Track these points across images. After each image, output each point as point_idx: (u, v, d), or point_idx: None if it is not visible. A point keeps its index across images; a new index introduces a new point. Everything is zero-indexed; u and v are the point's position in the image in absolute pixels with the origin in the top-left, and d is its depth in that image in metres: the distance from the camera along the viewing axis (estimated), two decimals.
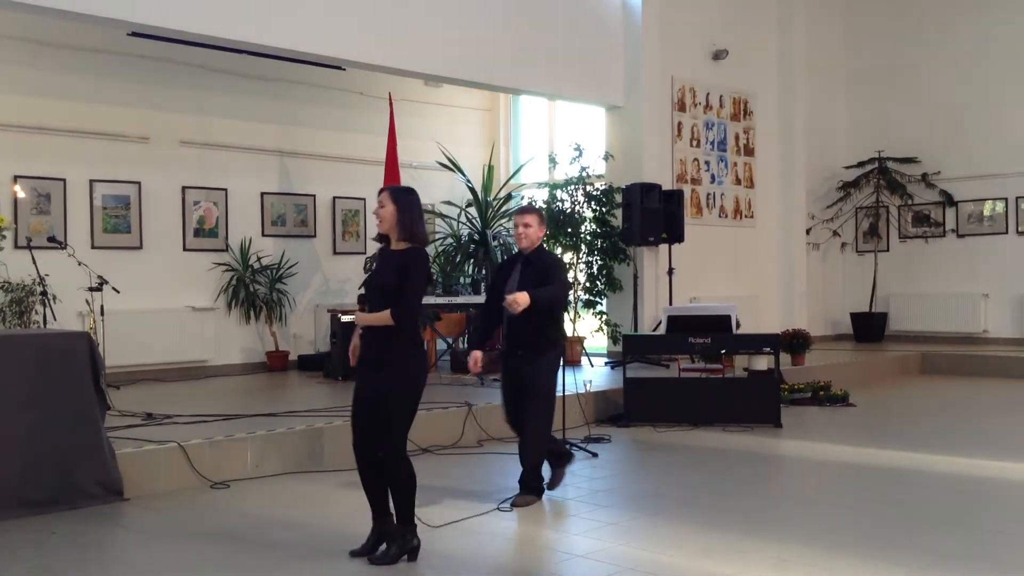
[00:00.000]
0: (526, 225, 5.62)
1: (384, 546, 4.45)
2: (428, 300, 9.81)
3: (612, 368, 10.45)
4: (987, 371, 11.73)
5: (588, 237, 11.29)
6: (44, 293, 8.19)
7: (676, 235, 11.24)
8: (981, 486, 5.95)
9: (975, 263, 13.35)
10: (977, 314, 13.27)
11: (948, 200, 13.54)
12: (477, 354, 5.62)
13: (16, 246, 8.88)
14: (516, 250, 5.82)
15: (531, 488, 5.58)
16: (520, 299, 5.30)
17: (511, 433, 7.57)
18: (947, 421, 8.68)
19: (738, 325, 8.74)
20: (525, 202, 12.22)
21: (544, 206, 11.47)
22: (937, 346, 12.96)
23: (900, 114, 14.05)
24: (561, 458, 5.96)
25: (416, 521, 4.46)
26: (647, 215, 10.90)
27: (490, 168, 12.74)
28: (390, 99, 11.08)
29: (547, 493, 5.70)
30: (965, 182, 13.38)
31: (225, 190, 10.97)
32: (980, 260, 13.31)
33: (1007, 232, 13.10)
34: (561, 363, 5.78)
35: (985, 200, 13.29)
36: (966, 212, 13.48)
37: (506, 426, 7.61)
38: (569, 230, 11.01)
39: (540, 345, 5.56)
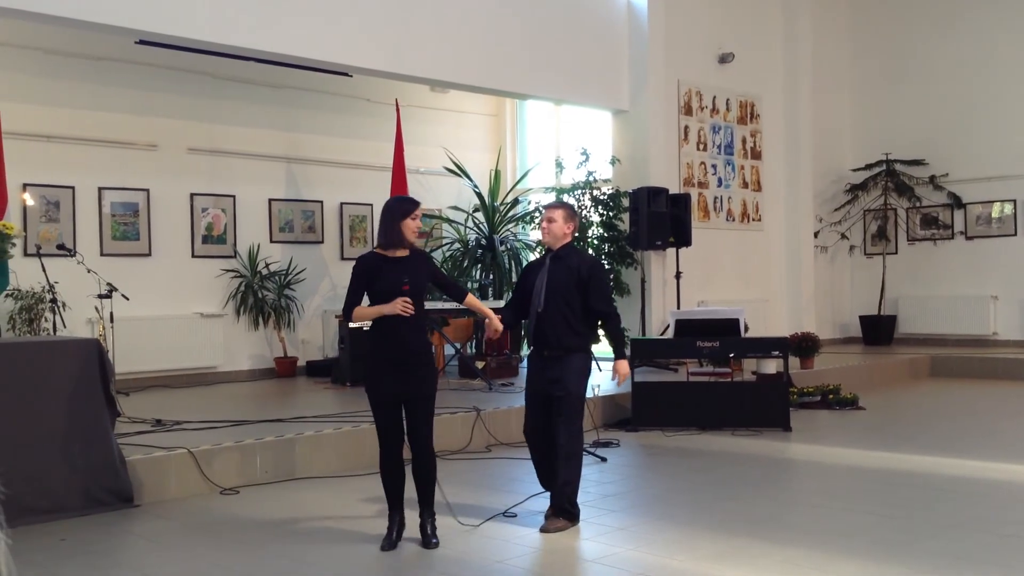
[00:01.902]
0: (550, 220, 5.31)
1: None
2: (436, 305, 9.83)
3: None
4: (997, 373, 11.70)
5: (595, 242, 11.29)
6: (54, 300, 8.22)
7: (683, 239, 11.22)
8: (991, 489, 5.93)
9: (984, 265, 13.31)
10: (986, 316, 13.22)
11: (956, 202, 13.50)
12: (496, 320, 5.14)
13: (26, 254, 8.92)
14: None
15: (563, 511, 5.07)
16: (623, 371, 5.35)
17: (520, 438, 7.62)
18: (957, 424, 8.64)
19: (746, 329, 8.72)
20: (532, 207, 12.22)
21: None
22: (946, 349, 12.93)
23: (907, 116, 14.02)
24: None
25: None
26: (654, 219, 10.89)
27: (497, 173, 12.76)
28: (396, 105, 11.10)
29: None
30: (973, 184, 13.35)
31: (233, 197, 11.01)
32: (989, 262, 13.27)
33: (1016, 234, 13.05)
34: (591, 369, 5.35)
35: (993, 202, 13.25)
36: (974, 214, 13.45)
37: (516, 431, 7.67)
38: (576, 234, 11.00)
39: (571, 345, 5.17)
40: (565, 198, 11.31)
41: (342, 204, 11.96)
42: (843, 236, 14.38)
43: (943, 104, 13.63)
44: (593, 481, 6.28)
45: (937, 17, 13.78)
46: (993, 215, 13.29)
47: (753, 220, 13.03)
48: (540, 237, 5.37)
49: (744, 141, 12.93)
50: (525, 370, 5.42)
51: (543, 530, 5.00)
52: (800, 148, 13.39)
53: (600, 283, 5.32)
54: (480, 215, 12.28)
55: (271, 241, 11.33)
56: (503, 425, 7.69)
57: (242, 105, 11.11)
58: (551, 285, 5.19)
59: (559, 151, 13.14)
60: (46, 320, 8.56)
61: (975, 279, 13.36)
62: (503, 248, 11.87)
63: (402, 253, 4.81)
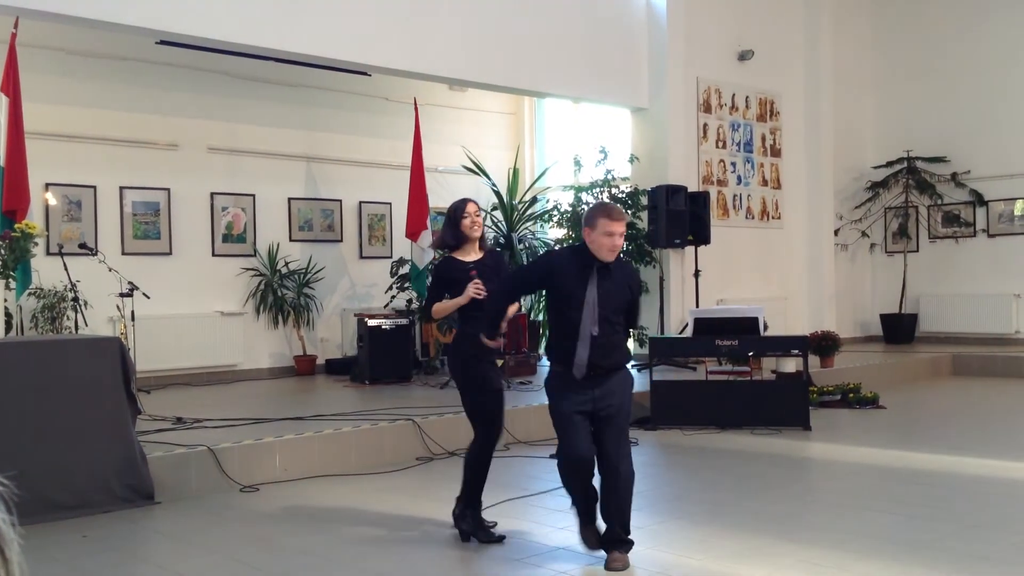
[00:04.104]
0: (620, 235, 4.37)
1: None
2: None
3: (639, 371, 10.38)
4: (1019, 372, 11.59)
5: None
6: (75, 299, 8.28)
7: (702, 237, 11.20)
8: (1014, 488, 5.88)
9: (1006, 263, 13.19)
10: (1008, 315, 13.10)
11: (978, 199, 13.39)
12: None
13: (48, 253, 9.00)
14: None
15: (623, 542, 4.47)
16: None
17: (539, 436, 7.62)
18: (979, 423, 8.57)
19: (766, 327, 8.68)
20: (550, 205, 12.17)
21: (569, 209, 11.48)
22: (968, 347, 12.82)
23: (928, 113, 13.91)
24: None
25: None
26: (673, 217, 10.86)
27: (515, 171, 12.76)
28: (415, 104, 11.11)
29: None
30: (995, 181, 13.23)
31: (253, 196, 11.06)
32: (1011, 260, 13.15)
33: None
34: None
35: (1016, 199, 13.13)
36: (997, 211, 13.33)
37: (535, 430, 7.68)
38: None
39: (621, 363, 4.56)
40: (583, 196, 11.29)
41: (361, 203, 11.99)
42: (864, 234, 14.29)
43: (965, 101, 13.51)
44: None
45: (959, 13, 13.66)
46: (1016, 212, 13.16)
47: (773, 218, 12.97)
48: (601, 255, 4.39)
49: (764, 138, 12.87)
50: (546, 392, 4.68)
51: (611, 569, 4.34)
52: (820, 145, 13.31)
53: (638, 300, 4.76)
54: (498, 213, 12.28)
55: (290, 240, 11.38)
56: (522, 423, 7.70)
57: (261, 104, 11.17)
58: (604, 306, 4.43)
59: (577, 149, 13.09)
60: (68, 319, 8.64)
61: (997, 277, 13.24)
62: (522, 246, 11.86)
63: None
